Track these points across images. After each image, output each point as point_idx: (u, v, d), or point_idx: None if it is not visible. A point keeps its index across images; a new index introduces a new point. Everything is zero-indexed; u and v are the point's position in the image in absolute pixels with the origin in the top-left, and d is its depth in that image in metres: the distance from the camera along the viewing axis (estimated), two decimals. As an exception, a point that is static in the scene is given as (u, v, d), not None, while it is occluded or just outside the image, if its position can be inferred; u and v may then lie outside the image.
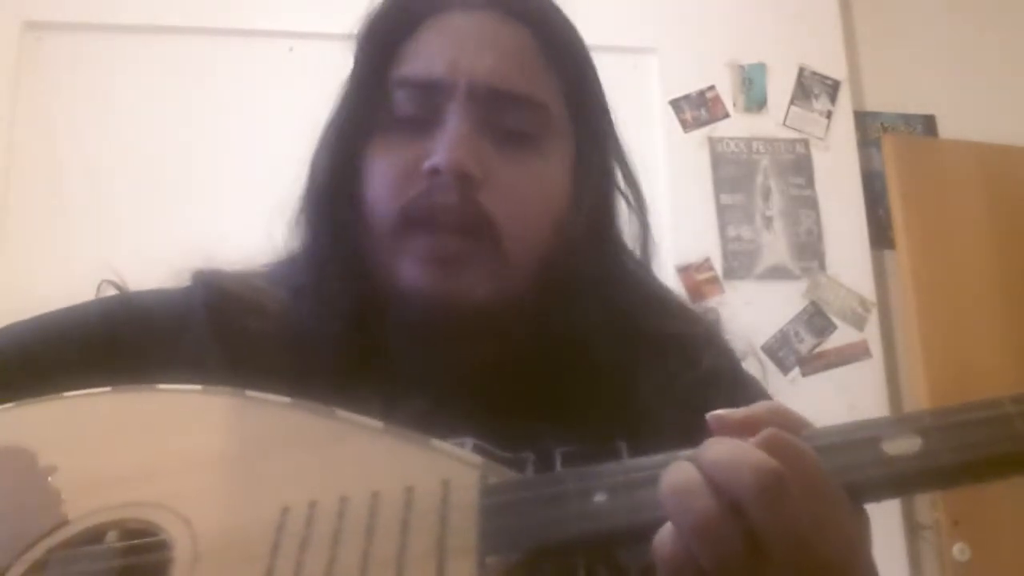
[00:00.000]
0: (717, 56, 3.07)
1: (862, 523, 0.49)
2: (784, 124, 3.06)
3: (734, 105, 3.05)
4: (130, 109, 2.72)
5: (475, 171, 0.68)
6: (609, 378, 0.72)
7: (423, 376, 0.69)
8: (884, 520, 2.63)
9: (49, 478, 0.59)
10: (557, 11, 0.77)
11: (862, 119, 3.14)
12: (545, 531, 0.50)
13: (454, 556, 0.50)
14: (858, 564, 0.48)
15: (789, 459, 0.46)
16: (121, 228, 2.54)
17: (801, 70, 3.11)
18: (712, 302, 2.72)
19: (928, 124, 3.20)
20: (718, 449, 0.47)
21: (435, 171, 0.68)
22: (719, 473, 0.46)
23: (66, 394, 0.64)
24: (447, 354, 0.70)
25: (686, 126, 3.02)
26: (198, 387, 0.63)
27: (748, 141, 3.03)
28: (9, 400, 0.64)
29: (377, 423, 0.58)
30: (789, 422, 0.50)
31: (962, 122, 3.13)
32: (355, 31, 0.77)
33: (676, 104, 3.02)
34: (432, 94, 0.71)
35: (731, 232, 2.95)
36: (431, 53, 0.73)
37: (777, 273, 2.94)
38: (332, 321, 0.71)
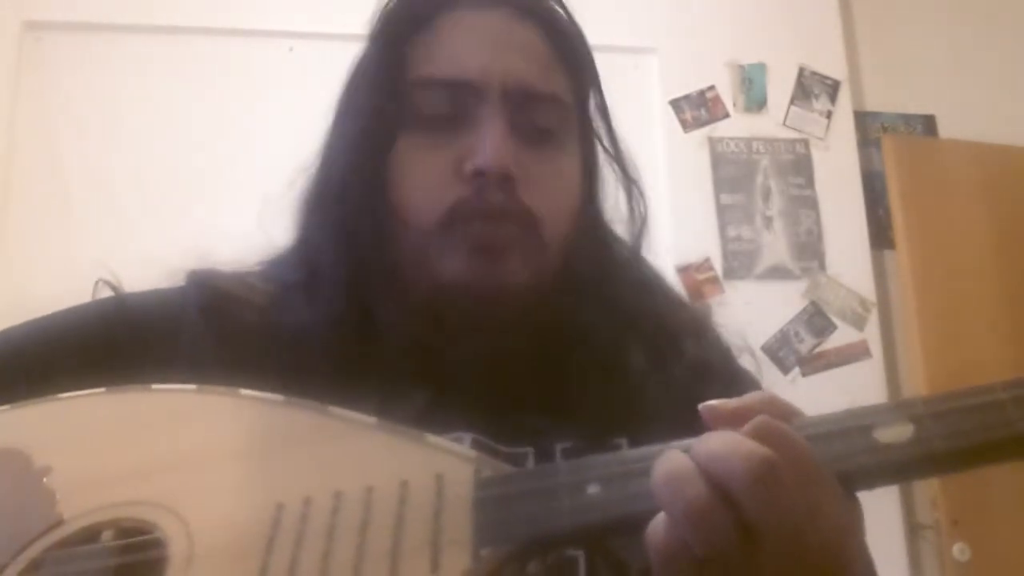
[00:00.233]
0: (717, 56, 3.07)
1: (855, 511, 0.49)
2: (784, 124, 3.06)
3: (734, 105, 3.06)
4: (130, 109, 2.73)
5: (516, 171, 0.70)
6: (609, 373, 0.73)
7: (423, 373, 0.70)
8: (884, 520, 2.63)
9: (44, 479, 0.59)
10: (562, 7, 0.79)
11: (862, 119, 3.14)
12: (539, 523, 0.50)
13: (448, 549, 0.50)
14: (851, 551, 0.48)
15: (780, 447, 0.46)
16: (121, 228, 2.55)
17: (801, 70, 3.11)
18: (712, 302, 2.73)
19: (928, 124, 3.20)
20: (710, 439, 0.47)
21: (480, 172, 0.69)
22: (711, 463, 0.46)
23: (61, 395, 0.64)
24: (464, 348, 0.71)
25: (686, 126, 3.02)
26: (192, 386, 0.63)
27: (748, 141, 3.03)
28: (6, 403, 0.64)
29: (371, 419, 0.59)
30: (781, 411, 0.50)
31: (962, 122, 3.13)
32: (365, 31, 0.78)
33: (676, 104, 3.02)
34: (462, 94, 0.72)
35: (731, 232, 2.95)
36: (456, 53, 0.74)
37: (777, 273, 2.94)
38: (325, 318, 0.71)
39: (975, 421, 0.48)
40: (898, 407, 0.50)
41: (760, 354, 2.79)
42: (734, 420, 0.49)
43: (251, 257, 0.80)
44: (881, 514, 2.74)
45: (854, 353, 2.90)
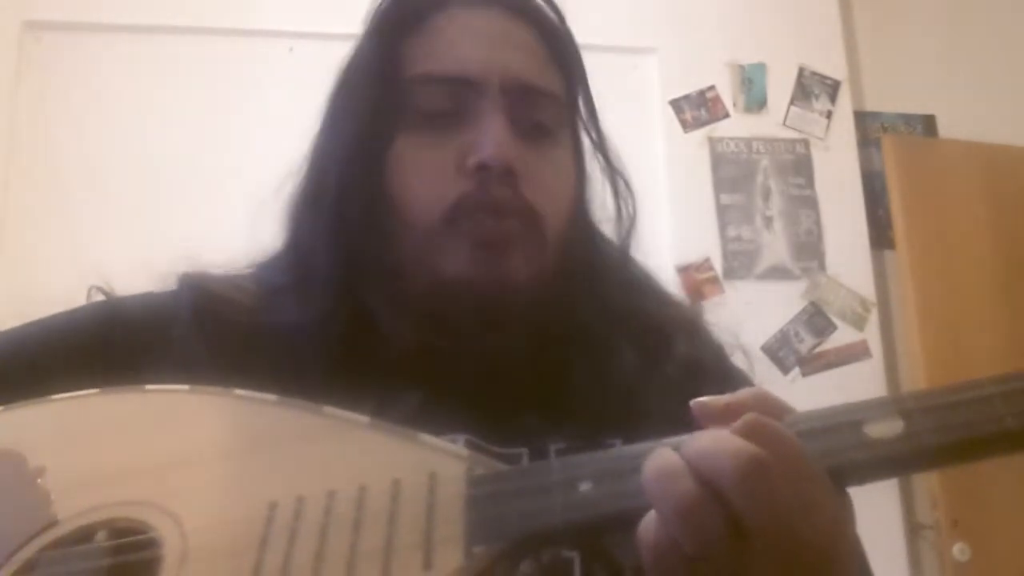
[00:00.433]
0: (717, 56, 3.07)
1: (846, 506, 0.50)
2: (784, 124, 3.06)
3: (734, 105, 3.06)
4: (130, 109, 2.73)
5: (518, 165, 0.70)
6: (602, 373, 0.73)
7: (417, 374, 0.70)
8: (884, 520, 2.63)
9: (39, 479, 0.59)
10: (551, 7, 0.79)
11: (862, 119, 3.14)
12: (531, 520, 0.50)
13: (441, 546, 0.50)
14: (842, 547, 0.48)
15: (769, 444, 0.46)
16: (121, 228, 2.55)
17: (801, 70, 3.11)
18: (712, 302, 2.72)
19: (928, 124, 3.20)
20: (699, 437, 0.47)
21: (483, 167, 0.69)
22: (700, 459, 0.46)
23: (54, 396, 0.64)
24: (461, 347, 0.71)
25: (686, 126, 3.02)
26: (185, 387, 0.63)
27: (748, 141, 3.03)
28: (0, 405, 0.65)
29: (364, 418, 0.59)
30: (772, 407, 0.50)
31: (962, 122, 3.13)
32: (358, 30, 0.78)
33: (676, 104, 3.03)
34: (462, 90, 0.72)
35: (731, 232, 2.95)
36: (455, 50, 0.74)
37: (777, 273, 2.94)
38: (317, 319, 0.71)
39: (964, 416, 0.48)
40: (888, 402, 0.50)
41: (759, 354, 2.80)
42: (725, 416, 0.49)
43: (248, 258, 0.80)
44: (881, 514, 2.75)
45: (854, 353, 2.90)
